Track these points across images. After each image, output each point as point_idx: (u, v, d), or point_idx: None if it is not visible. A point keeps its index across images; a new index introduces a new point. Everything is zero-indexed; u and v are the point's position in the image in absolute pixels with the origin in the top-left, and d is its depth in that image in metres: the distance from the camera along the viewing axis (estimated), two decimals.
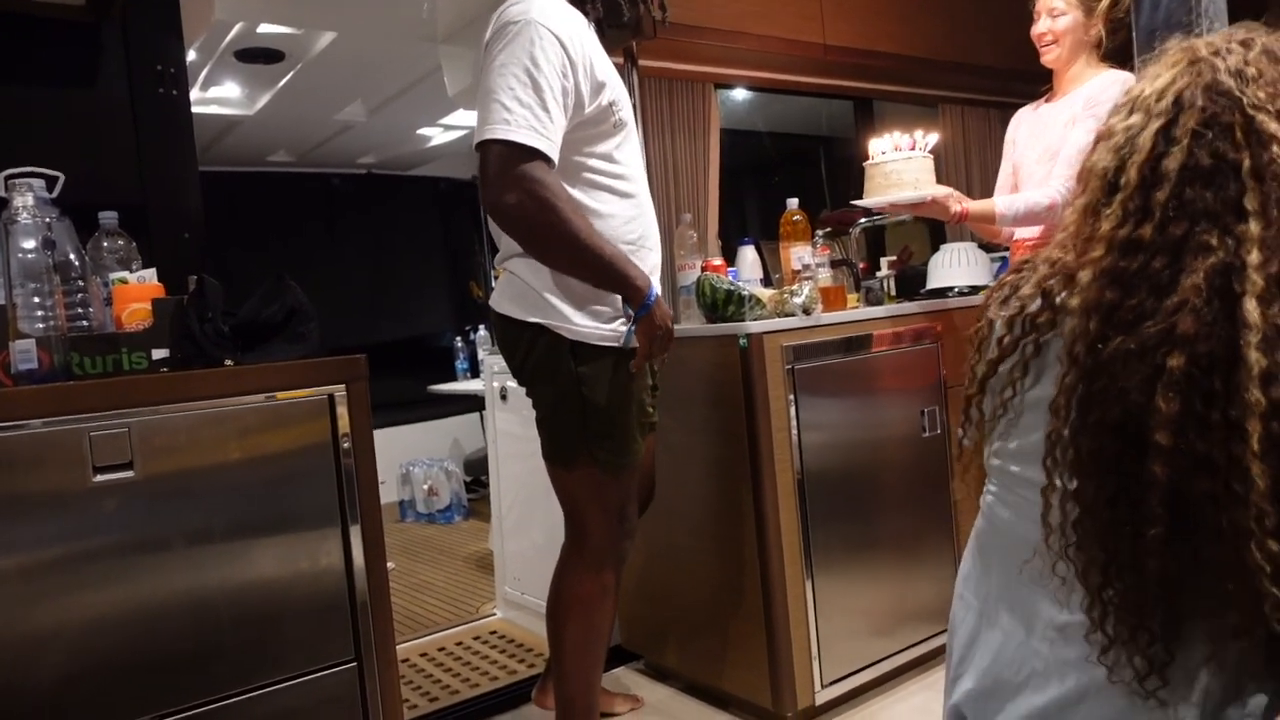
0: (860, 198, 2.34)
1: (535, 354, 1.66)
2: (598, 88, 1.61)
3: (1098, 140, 0.88)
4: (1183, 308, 0.73)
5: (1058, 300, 0.86)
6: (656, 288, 1.65)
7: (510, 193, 1.50)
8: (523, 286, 1.65)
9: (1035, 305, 0.88)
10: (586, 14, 1.69)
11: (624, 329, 1.66)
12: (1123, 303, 0.77)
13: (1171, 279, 0.75)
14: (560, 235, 1.54)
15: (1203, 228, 0.75)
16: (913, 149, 2.21)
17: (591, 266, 1.58)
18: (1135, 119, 0.83)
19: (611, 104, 1.63)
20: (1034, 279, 0.91)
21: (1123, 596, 0.78)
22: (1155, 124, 0.80)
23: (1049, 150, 2.24)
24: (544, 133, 1.51)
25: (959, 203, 2.20)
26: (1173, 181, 0.77)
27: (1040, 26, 2.24)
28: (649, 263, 1.74)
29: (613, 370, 1.65)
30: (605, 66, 1.65)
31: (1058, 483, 0.82)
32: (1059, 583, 0.85)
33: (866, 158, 2.31)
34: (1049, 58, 2.26)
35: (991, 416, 0.95)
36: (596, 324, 1.64)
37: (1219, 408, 0.71)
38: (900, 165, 2.20)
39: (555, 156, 1.53)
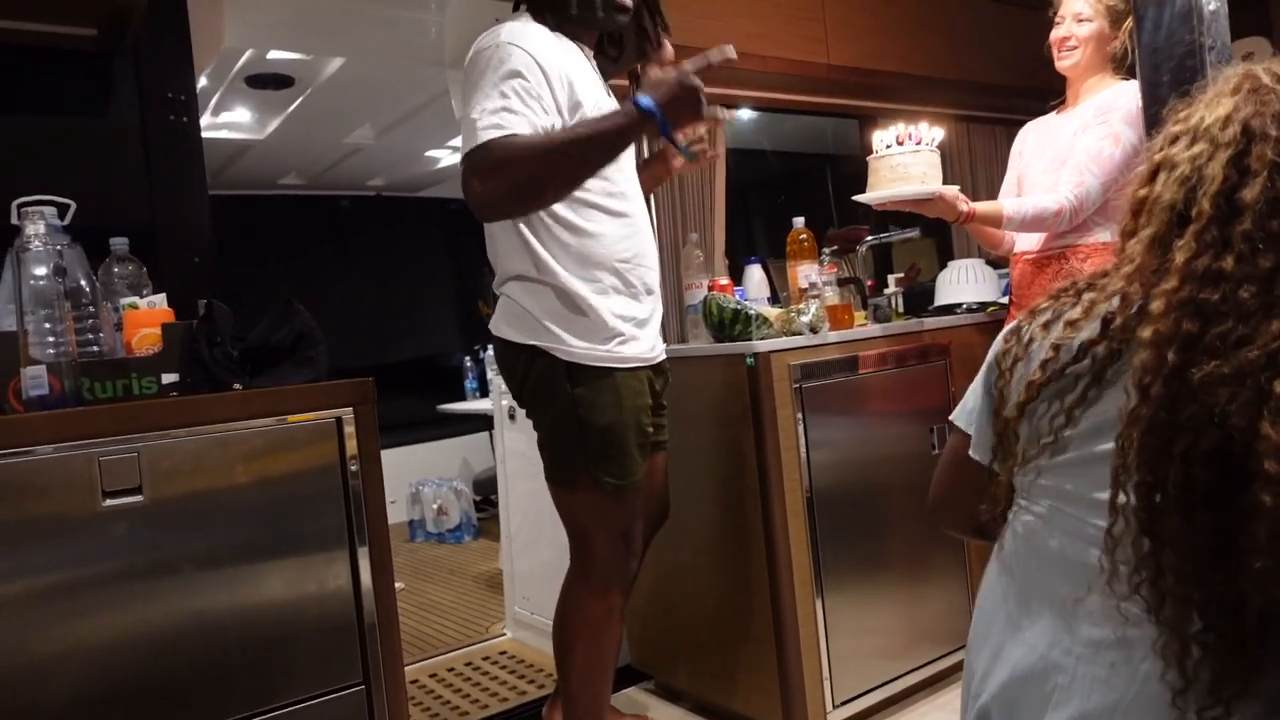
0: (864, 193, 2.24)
1: (533, 377, 1.67)
2: (574, 106, 1.61)
3: (1156, 170, 0.87)
4: None
5: (1120, 328, 0.84)
6: (645, 101, 1.49)
7: (495, 181, 1.48)
8: (519, 310, 1.67)
9: (1091, 332, 0.87)
10: (581, 28, 1.71)
11: (620, 350, 1.66)
12: (1205, 332, 0.76)
13: (1264, 307, 0.74)
14: (556, 163, 1.49)
15: None
16: (919, 143, 2.12)
17: (585, 158, 1.51)
18: (1199, 148, 0.82)
19: (573, 109, 1.63)
20: (1084, 305, 0.90)
21: (1220, 636, 0.75)
22: (1224, 154, 0.80)
23: (1057, 159, 2.20)
24: (502, 123, 1.49)
25: (966, 203, 2.13)
26: (1255, 213, 0.76)
27: (1062, 31, 2.21)
28: (646, 281, 1.74)
29: (609, 391, 1.65)
30: (586, 88, 1.65)
31: (1129, 515, 0.79)
32: (1106, 600, 0.83)
33: (871, 152, 2.22)
34: (1066, 63, 2.22)
35: (1029, 442, 0.94)
36: (591, 345, 1.64)
37: None
38: (907, 158, 2.10)
39: (514, 130, 1.49)
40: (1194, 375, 0.75)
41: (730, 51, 1.58)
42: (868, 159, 2.20)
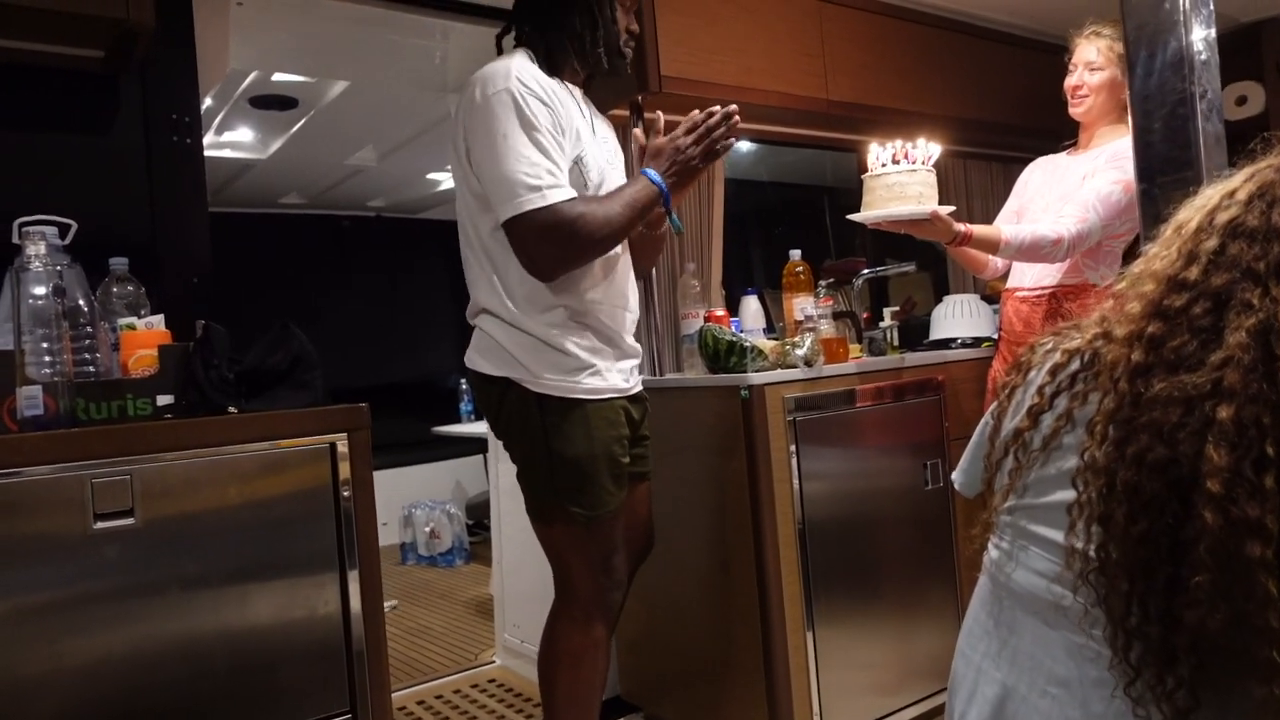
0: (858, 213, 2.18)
1: (506, 409, 1.68)
2: (577, 158, 1.66)
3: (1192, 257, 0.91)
4: (1229, 363, 0.74)
5: (1102, 344, 0.87)
6: (657, 179, 1.67)
7: (558, 253, 1.59)
8: (490, 342, 1.68)
9: (1085, 358, 0.90)
10: (579, 70, 1.75)
11: (591, 381, 1.66)
12: (1166, 339, 0.79)
13: (1213, 327, 0.77)
14: (607, 237, 1.62)
15: (1244, 284, 0.77)
16: (914, 162, 2.07)
17: (631, 227, 1.66)
18: (1219, 187, 0.87)
19: (578, 159, 1.67)
20: (1084, 335, 0.92)
21: (1156, 636, 0.77)
22: (1225, 187, 0.85)
23: (1063, 198, 2.20)
24: (559, 183, 1.57)
25: (962, 224, 2.10)
26: (1220, 232, 0.81)
27: (1074, 79, 2.24)
28: (618, 320, 1.74)
29: (579, 423, 1.64)
30: (584, 138, 1.69)
31: (1084, 500, 0.82)
32: (1074, 630, 0.84)
33: (866, 170, 2.17)
34: (1079, 110, 2.25)
35: (1016, 469, 0.95)
36: (562, 376, 1.64)
37: (1272, 473, 0.71)
38: (903, 178, 2.05)
39: (567, 192, 1.58)
40: (1153, 383, 0.78)
41: (730, 108, 1.70)
42: (863, 176, 2.15)
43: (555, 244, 1.57)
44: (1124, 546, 0.78)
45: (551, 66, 1.70)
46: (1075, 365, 0.91)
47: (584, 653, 1.72)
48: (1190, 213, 0.88)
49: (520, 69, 1.61)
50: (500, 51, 1.76)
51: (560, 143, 1.61)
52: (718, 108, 1.70)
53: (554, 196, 1.55)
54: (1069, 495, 0.85)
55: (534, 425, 1.65)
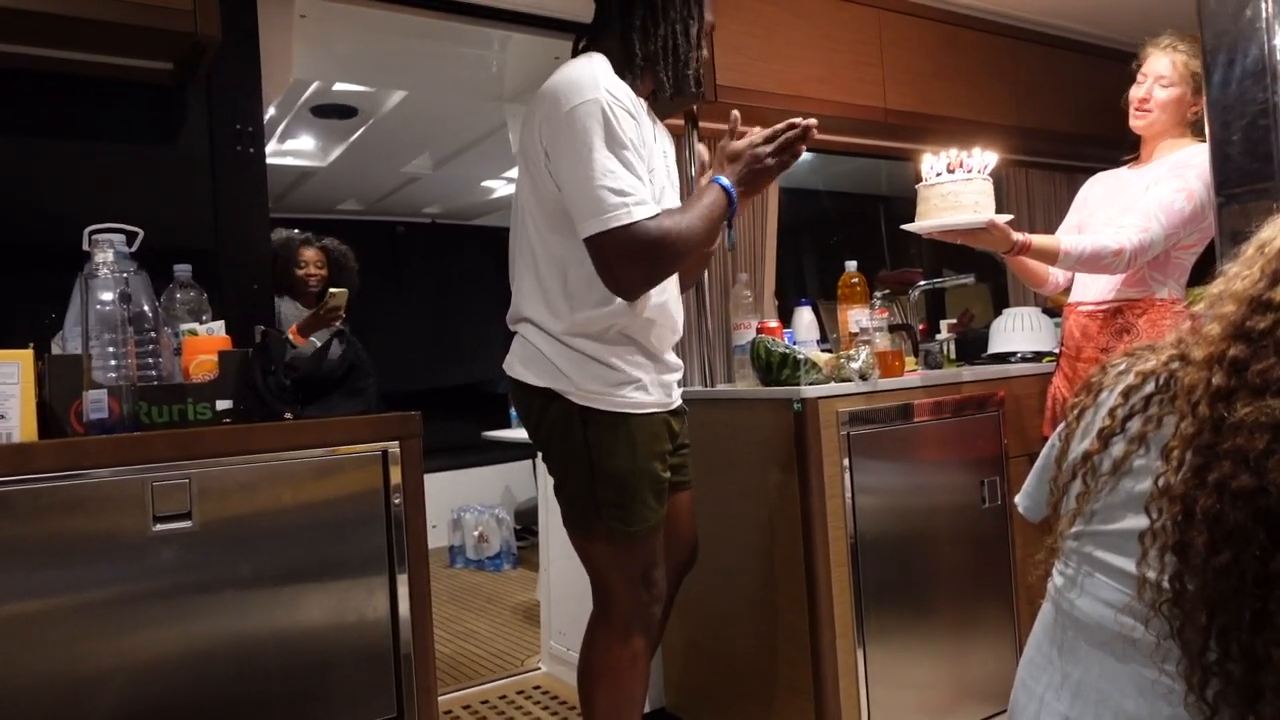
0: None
1: (548, 420, 1.65)
2: (650, 171, 1.63)
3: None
4: None
5: (1179, 369, 0.84)
6: (728, 185, 1.65)
7: (644, 271, 1.56)
8: (533, 351, 1.65)
9: (1160, 380, 0.87)
10: (656, 84, 1.70)
11: (635, 396, 1.64)
12: (1250, 362, 0.76)
13: None
14: (688, 252, 1.61)
15: None
16: (970, 171, 2.02)
17: (709, 237, 1.65)
18: None
19: (650, 173, 1.65)
20: (1161, 358, 0.89)
21: (1239, 674, 0.74)
22: None
23: (1124, 211, 2.12)
24: (644, 199, 1.54)
25: (1020, 233, 2.03)
26: None
27: (1142, 91, 2.16)
28: (663, 337, 1.71)
29: (624, 437, 1.62)
30: (654, 154, 1.68)
31: (1158, 528, 0.80)
32: (1145, 664, 0.81)
33: (921, 179, 2.12)
34: (1140, 123, 2.17)
35: (1083, 493, 0.92)
36: (606, 389, 1.62)
37: None
38: (959, 187, 2.00)
39: (652, 209, 1.56)
40: (1237, 408, 0.75)
41: (810, 122, 1.68)
42: (917, 186, 2.11)
43: (640, 261, 1.54)
44: (1203, 577, 0.75)
45: (634, 81, 1.65)
46: (1150, 388, 0.88)
47: (624, 666, 1.70)
48: (1274, 231, 0.84)
49: (608, 79, 1.57)
50: (576, 54, 1.72)
51: (643, 156, 1.59)
52: (799, 119, 1.67)
53: (640, 214, 1.51)
54: (1140, 522, 0.82)
55: (576, 438, 1.63)
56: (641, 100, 1.70)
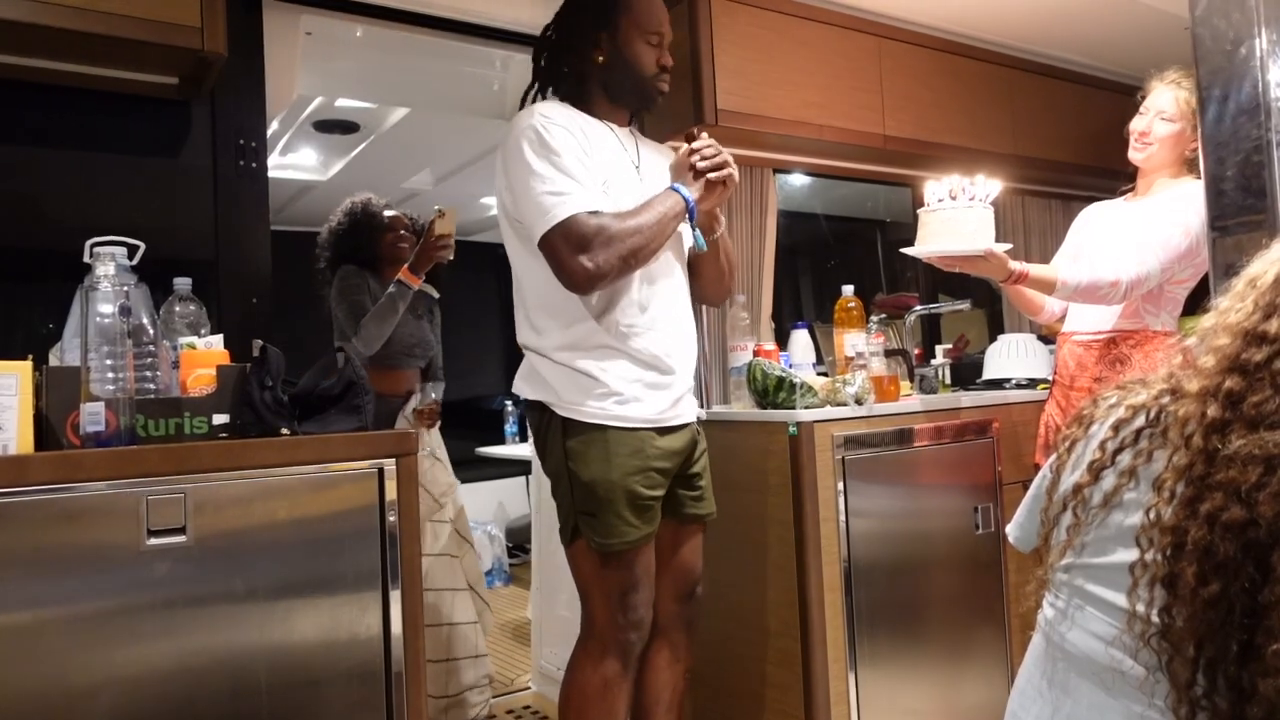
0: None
1: (540, 432, 1.73)
2: (605, 183, 1.68)
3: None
4: None
5: (1170, 401, 0.85)
6: (684, 191, 1.69)
7: (586, 261, 1.59)
8: (528, 367, 1.75)
9: (1151, 414, 0.87)
10: (614, 106, 1.80)
11: (617, 409, 1.67)
12: (1245, 395, 0.77)
13: None
14: (637, 245, 1.62)
15: None
16: (972, 199, 2.04)
17: (658, 235, 1.66)
18: None
19: (605, 184, 1.68)
20: (1152, 391, 0.90)
21: (1225, 707, 0.74)
22: None
23: (1120, 243, 2.14)
24: (579, 196, 1.61)
25: (1018, 263, 2.05)
26: None
27: (1142, 125, 2.17)
28: (658, 348, 1.71)
29: (597, 448, 1.65)
30: (616, 169, 1.73)
31: (1148, 560, 0.80)
32: (1135, 698, 0.81)
33: (922, 204, 2.12)
34: (1139, 156, 2.18)
35: (1074, 525, 0.92)
36: (584, 400, 1.66)
37: None
38: (959, 214, 2.01)
39: (590, 204, 1.61)
40: (1230, 440, 0.75)
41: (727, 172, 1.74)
42: (918, 211, 2.13)
43: (581, 250, 1.58)
44: (1192, 609, 0.76)
45: (586, 107, 1.76)
46: (1140, 421, 0.88)
47: (593, 693, 1.69)
48: (1265, 265, 0.85)
49: (546, 108, 1.70)
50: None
51: (585, 164, 1.65)
52: (726, 166, 1.74)
53: (575, 206, 1.59)
54: (1131, 555, 0.82)
55: (558, 448, 1.68)
56: (615, 126, 1.79)
